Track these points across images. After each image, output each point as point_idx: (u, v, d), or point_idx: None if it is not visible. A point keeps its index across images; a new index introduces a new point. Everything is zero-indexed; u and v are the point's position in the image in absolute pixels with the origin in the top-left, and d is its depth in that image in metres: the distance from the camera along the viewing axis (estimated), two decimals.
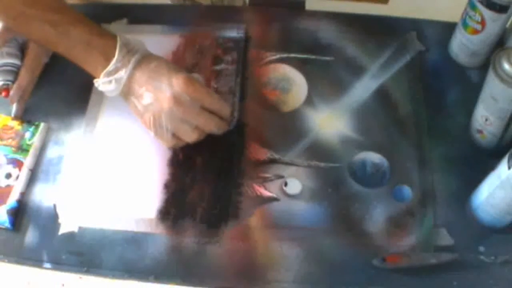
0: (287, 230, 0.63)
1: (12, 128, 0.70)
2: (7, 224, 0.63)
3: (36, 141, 0.69)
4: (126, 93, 0.61)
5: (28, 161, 0.67)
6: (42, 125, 0.70)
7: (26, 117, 0.71)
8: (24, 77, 0.70)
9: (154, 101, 0.59)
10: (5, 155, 0.67)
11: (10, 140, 0.69)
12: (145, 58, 0.61)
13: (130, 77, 0.60)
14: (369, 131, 0.69)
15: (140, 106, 0.61)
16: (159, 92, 0.59)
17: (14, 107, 0.70)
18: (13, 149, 0.68)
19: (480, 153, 0.67)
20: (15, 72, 0.70)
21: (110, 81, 0.59)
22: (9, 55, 0.70)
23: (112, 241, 0.63)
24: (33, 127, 0.70)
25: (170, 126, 0.60)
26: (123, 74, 0.59)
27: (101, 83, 0.60)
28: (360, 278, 0.60)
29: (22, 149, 0.68)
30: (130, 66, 0.59)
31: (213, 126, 0.63)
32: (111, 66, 0.59)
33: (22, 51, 0.71)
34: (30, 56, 0.70)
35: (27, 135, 0.69)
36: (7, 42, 0.70)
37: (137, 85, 0.60)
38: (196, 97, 0.60)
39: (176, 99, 0.59)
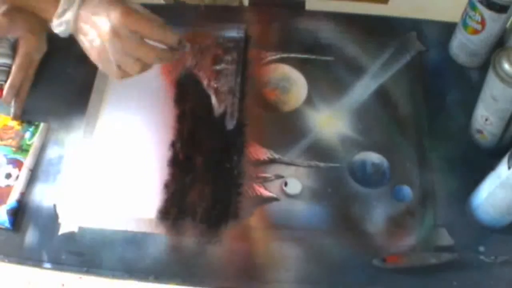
0: (287, 230, 0.63)
1: (12, 128, 0.70)
2: (7, 224, 0.63)
3: (36, 141, 0.69)
4: (75, 32, 0.63)
5: (28, 161, 0.67)
6: (42, 125, 0.70)
7: (26, 117, 0.71)
8: (16, 76, 0.69)
9: (97, 36, 0.61)
10: (5, 155, 0.67)
11: (10, 140, 0.69)
12: None
13: (76, 17, 0.62)
14: (369, 131, 0.69)
15: (86, 43, 0.63)
16: (100, 27, 0.61)
17: (12, 107, 0.70)
18: (13, 149, 0.68)
19: (480, 153, 0.67)
20: (7, 72, 0.70)
21: (61, 24, 0.62)
22: (1, 55, 0.70)
23: (112, 241, 0.63)
24: (33, 127, 0.70)
25: (113, 58, 0.61)
26: (70, 15, 0.61)
27: (54, 26, 0.62)
28: (360, 278, 0.60)
29: (22, 149, 0.68)
30: (75, 6, 0.61)
31: (154, 57, 0.63)
32: (59, 9, 0.61)
33: (14, 50, 0.71)
34: (21, 54, 0.70)
35: (27, 135, 0.69)
36: None
37: (82, 23, 0.62)
38: (134, 28, 0.61)
39: (115, 32, 0.60)
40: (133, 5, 0.63)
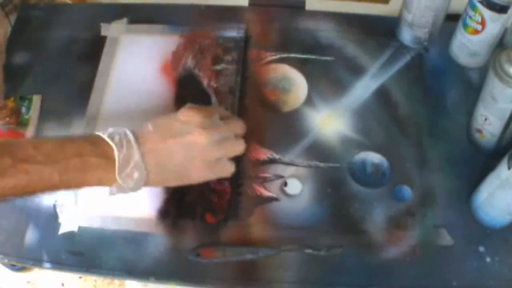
0: (287, 230, 0.63)
1: (5, 107, 0.71)
2: None
3: (33, 113, 0.71)
4: (156, 171, 0.54)
5: (29, 131, 0.69)
6: (34, 97, 0.72)
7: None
8: None
9: (189, 149, 0.54)
10: (6, 131, 0.70)
11: (7, 119, 0.71)
12: (139, 134, 0.55)
13: (147, 162, 0.53)
14: (369, 131, 0.69)
15: (181, 172, 0.55)
16: (183, 139, 0.54)
17: None
18: (12, 126, 0.70)
19: (480, 153, 0.67)
20: None
21: (128, 175, 0.52)
22: None
23: (112, 241, 0.63)
24: (26, 101, 0.72)
25: (218, 152, 0.56)
26: (137, 157, 0.52)
27: (122, 182, 0.52)
28: (360, 278, 0.60)
29: (22, 124, 0.70)
30: (137, 155, 0.52)
31: (242, 125, 0.61)
32: (117, 164, 0.52)
33: None
34: None
35: (23, 110, 0.71)
36: None
37: (159, 158, 0.54)
38: (209, 114, 0.56)
39: (202, 128, 0.54)
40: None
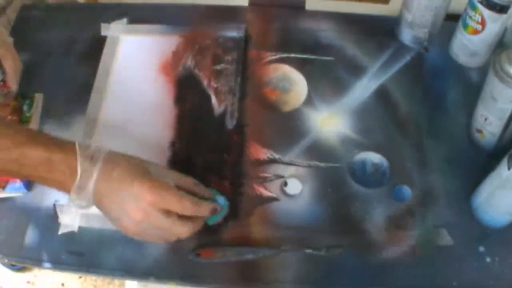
0: (287, 230, 0.63)
1: (7, 105, 0.71)
2: (22, 189, 0.65)
3: (34, 112, 0.71)
4: (98, 204, 0.56)
5: (31, 127, 0.69)
6: (36, 95, 0.72)
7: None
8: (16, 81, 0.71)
9: (122, 215, 0.55)
10: None
11: (9, 117, 0.71)
12: (108, 165, 0.55)
13: (96, 192, 0.54)
14: (369, 131, 0.69)
15: (111, 220, 0.57)
16: (124, 205, 0.54)
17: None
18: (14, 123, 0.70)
19: (480, 153, 0.67)
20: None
21: (80, 198, 0.55)
22: None
23: (112, 241, 0.62)
24: (28, 100, 0.72)
25: (145, 237, 0.57)
26: (90, 190, 0.54)
27: (73, 200, 0.55)
28: (360, 278, 0.60)
29: (23, 121, 0.70)
30: (93, 180, 0.54)
31: (187, 234, 0.57)
32: (77, 182, 0.54)
33: None
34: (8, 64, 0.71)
35: (25, 108, 0.71)
36: None
37: (104, 198, 0.55)
38: (163, 208, 0.55)
39: (143, 212, 0.54)
40: (156, 169, 0.57)
